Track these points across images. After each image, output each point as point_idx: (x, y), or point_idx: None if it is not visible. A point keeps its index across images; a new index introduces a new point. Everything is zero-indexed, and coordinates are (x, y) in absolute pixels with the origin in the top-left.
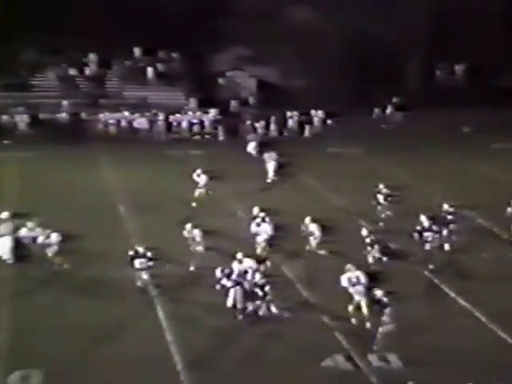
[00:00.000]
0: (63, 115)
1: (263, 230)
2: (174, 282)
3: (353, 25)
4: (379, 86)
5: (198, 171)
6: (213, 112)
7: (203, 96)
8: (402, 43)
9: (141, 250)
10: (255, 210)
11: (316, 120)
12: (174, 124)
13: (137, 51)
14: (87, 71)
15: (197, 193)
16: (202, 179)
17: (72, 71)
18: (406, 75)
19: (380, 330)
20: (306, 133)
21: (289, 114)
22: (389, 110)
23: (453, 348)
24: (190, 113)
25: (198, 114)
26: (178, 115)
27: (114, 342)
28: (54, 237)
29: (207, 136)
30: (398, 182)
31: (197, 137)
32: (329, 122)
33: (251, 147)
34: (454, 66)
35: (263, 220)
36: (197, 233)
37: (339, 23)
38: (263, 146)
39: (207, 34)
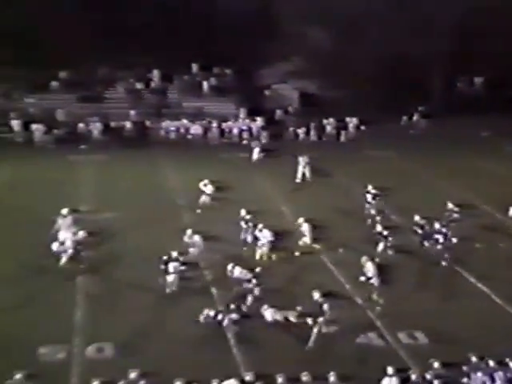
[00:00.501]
0: (130, 123)
1: (263, 236)
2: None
3: (383, 42)
4: (406, 96)
5: (206, 181)
6: (260, 120)
7: (251, 106)
8: (428, 57)
9: (174, 254)
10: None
11: (351, 126)
12: (226, 130)
13: (194, 67)
14: (151, 85)
15: (201, 200)
16: (208, 188)
17: (138, 85)
18: (431, 86)
19: (317, 330)
20: (342, 137)
21: (326, 121)
22: (415, 117)
23: (472, 327)
24: (240, 120)
25: (247, 121)
26: (229, 123)
27: None
28: (81, 234)
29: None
30: (424, 180)
31: (245, 141)
32: (362, 127)
33: (255, 153)
34: (473, 78)
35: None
36: (197, 238)
37: (371, 41)
38: (266, 151)
39: (256, 52)
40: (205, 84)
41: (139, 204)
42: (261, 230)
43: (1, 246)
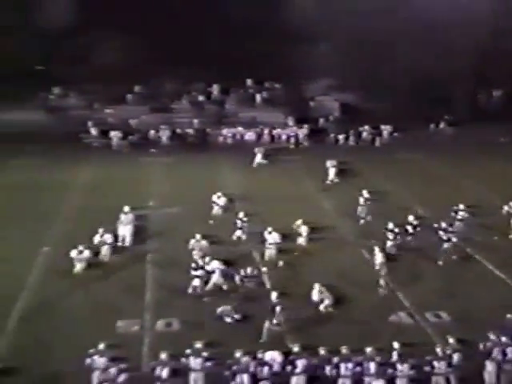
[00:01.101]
0: (193, 130)
1: (272, 238)
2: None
3: (414, 59)
4: (434, 107)
5: (219, 193)
6: (305, 127)
7: (298, 115)
8: (453, 73)
9: (200, 262)
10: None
11: (385, 133)
12: (276, 136)
13: (249, 82)
14: (212, 97)
15: (214, 211)
16: (221, 201)
17: (200, 97)
18: (456, 98)
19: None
20: (377, 143)
21: (363, 128)
22: (442, 125)
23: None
24: (288, 128)
25: (294, 128)
26: (279, 130)
27: None
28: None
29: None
30: (449, 180)
31: (292, 146)
32: (395, 134)
33: (258, 158)
34: (492, 91)
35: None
36: (204, 243)
37: (403, 58)
38: (270, 156)
39: (302, 68)
40: (258, 96)
41: (198, 201)
42: (270, 233)
43: (84, 235)
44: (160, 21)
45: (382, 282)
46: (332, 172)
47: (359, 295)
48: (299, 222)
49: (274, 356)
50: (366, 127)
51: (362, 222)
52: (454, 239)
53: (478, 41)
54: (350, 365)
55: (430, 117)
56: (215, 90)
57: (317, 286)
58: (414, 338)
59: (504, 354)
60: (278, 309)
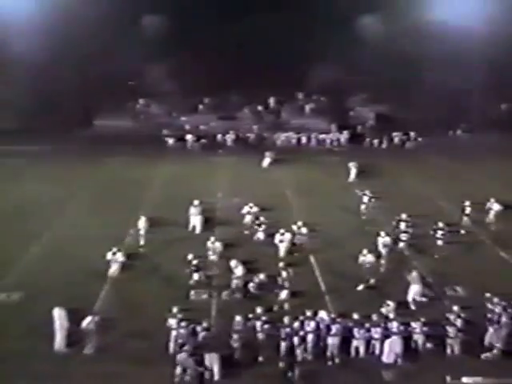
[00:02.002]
0: (253, 135)
1: (285, 239)
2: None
3: (436, 75)
4: (453, 116)
5: (251, 206)
6: (345, 133)
7: (340, 123)
8: (469, 86)
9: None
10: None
11: (412, 138)
12: (321, 140)
13: (300, 95)
14: (269, 107)
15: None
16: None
17: (259, 108)
18: (471, 109)
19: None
20: (407, 145)
21: (394, 133)
22: (458, 132)
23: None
24: (332, 133)
25: (337, 134)
26: (324, 135)
27: None
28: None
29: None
30: (464, 177)
31: (336, 149)
32: (419, 139)
33: (266, 163)
34: (502, 103)
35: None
36: (218, 245)
37: (426, 75)
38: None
39: (343, 84)
40: (306, 107)
41: (258, 193)
42: (283, 234)
43: (162, 219)
44: (226, 46)
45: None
46: (353, 172)
47: None
48: (300, 223)
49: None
50: (396, 133)
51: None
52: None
53: (490, 60)
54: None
55: (449, 125)
56: (272, 101)
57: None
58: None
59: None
60: None
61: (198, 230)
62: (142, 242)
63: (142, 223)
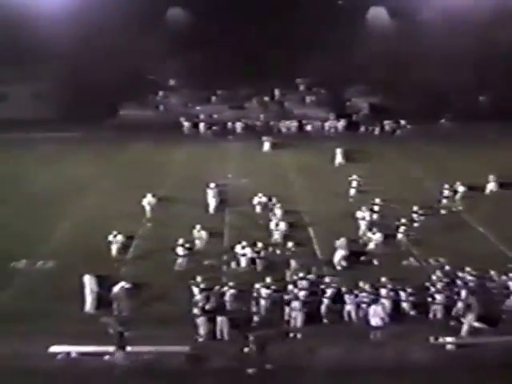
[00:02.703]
0: (260, 123)
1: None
2: None
3: (424, 68)
4: (439, 106)
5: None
6: (342, 121)
7: (337, 112)
8: (454, 78)
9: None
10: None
11: (402, 125)
12: (320, 128)
13: (301, 87)
14: (274, 98)
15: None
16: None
17: (266, 98)
18: (455, 99)
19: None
20: (396, 133)
21: (386, 122)
22: (443, 121)
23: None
24: (329, 122)
25: (334, 122)
26: (323, 123)
27: None
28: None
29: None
30: (446, 161)
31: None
32: (408, 127)
33: (266, 147)
34: (480, 96)
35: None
36: (203, 234)
37: (416, 71)
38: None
39: (340, 77)
40: (307, 98)
41: (262, 174)
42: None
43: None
44: (236, 42)
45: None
46: (339, 157)
47: None
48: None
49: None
50: (388, 121)
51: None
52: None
53: (475, 53)
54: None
55: (435, 114)
56: (276, 93)
57: None
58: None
59: None
60: None
61: (211, 210)
62: (148, 215)
63: (148, 199)
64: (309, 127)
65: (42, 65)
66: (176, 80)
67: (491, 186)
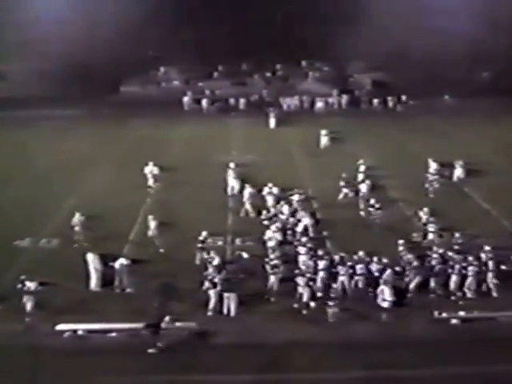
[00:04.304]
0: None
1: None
2: None
3: (426, 44)
4: (441, 82)
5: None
6: (345, 97)
7: (340, 88)
8: (455, 55)
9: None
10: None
11: (403, 101)
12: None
13: (304, 63)
14: (276, 74)
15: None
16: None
17: (268, 74)
18: (457, 75)
19: None
20: (397, 108)
21: (388, 98)
22: (446, 97)
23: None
24: (332, 97)
25: (337, 97)
26: (326, 98)
27: None
28: None
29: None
30: (447, 136)
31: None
32: (411, 102)
33: (273, 123)
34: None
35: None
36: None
37: (419, 47)
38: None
39: (343, 53)
40: (310, 74)
41: (266, 151)
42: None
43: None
44: (238, 16)
45: None
46: (324, 140)
47: None
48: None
49: None
50: (390, 97)
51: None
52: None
53: (476, 30)
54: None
55: (437, 90)
56: (279, 69)
57: None
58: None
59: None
60: None
61: (235, 191)
62: (150, 183)
63: (149, 168)
64: (312, 103)
65: (43, 42)
66: (178, 56)
67: (458, 173)
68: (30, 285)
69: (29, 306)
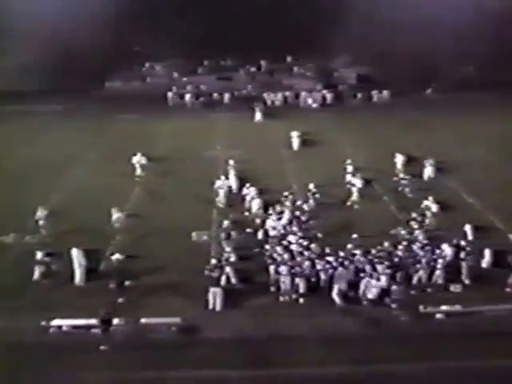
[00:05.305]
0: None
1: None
2: None
3: (410, 39)
4: (424, 77)
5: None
6: (330, 91)
7: (325, 82)
8: (437, 51)
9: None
10: None
11: (384, 94)
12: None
13: (289, 58)
14: (261, 69)
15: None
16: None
17: (253, 69)
18: (440, 71)
19: None
20: (381, 102)
21: (373, 92)
22: (429, 91)
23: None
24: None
25: (323, 92)
26: (311, 93)
27: None
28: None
29: None
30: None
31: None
32: (394, 97)
33: (258, 117)
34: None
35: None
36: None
37: (402, 42)
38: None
39: (328, 48)
40: (295, 69)
41: (252, 145)
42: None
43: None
44: (223, 11)
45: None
46: (296, 142)
47: None
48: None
49: None
50: (374, 91)
51: None
52: None
53: (459, 28)
54: None
55: (421, 85)
56: (264, 64)
57: None
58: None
59: None
60: None
61: (234, 189)
62: (138, 173)
63: (137, 158)
64: (296, 97)
65: (27, 37)
66: (162, 51)
67: (428, 172)
68: None
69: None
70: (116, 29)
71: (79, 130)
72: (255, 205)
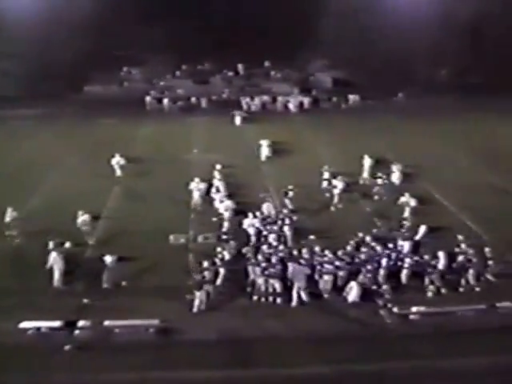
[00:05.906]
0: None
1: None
2: None
3: (384, 45)
4: (397, 81)
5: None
6: (306, 96)
7: (301, 87)
8: (411, 56)
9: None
10: None
11: (352, 98)
12: (286, 102)
13: (266, 63)
14: (239, 74)
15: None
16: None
17: (230, 74)
18: (413, 75)
19: None
20: (355, 106)
21: (349, 96)
22: (400, 95)
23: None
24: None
25: (299, 96)
26: (288, 98)
27: None
28: None
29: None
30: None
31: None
32: (369, 101)
33: (238, 120)
34: (440, 70)
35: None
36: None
37: (376, 45)
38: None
39: (304, 53)
40: (272, 73)
41: (231, 149)
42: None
43: (154, 172)
44: (201, 16)
45: None
46: (265, 151)
47: None
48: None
49: None
50: (350, 96)
51: None
52: None
53: (434, 28)
54: None
55: (394, 89)
56: (241, 68)
57: None
58: None
59: None
60: None
61: (222, 192)
62: (118, 174)
63: (116, 160)
64: (273, 101)
65: (5, 42)
66: (140, 55)
67: (395, 177)
68: None
69: None
70: (94, 33)
71: (58, 134)
72: (223, 207)
